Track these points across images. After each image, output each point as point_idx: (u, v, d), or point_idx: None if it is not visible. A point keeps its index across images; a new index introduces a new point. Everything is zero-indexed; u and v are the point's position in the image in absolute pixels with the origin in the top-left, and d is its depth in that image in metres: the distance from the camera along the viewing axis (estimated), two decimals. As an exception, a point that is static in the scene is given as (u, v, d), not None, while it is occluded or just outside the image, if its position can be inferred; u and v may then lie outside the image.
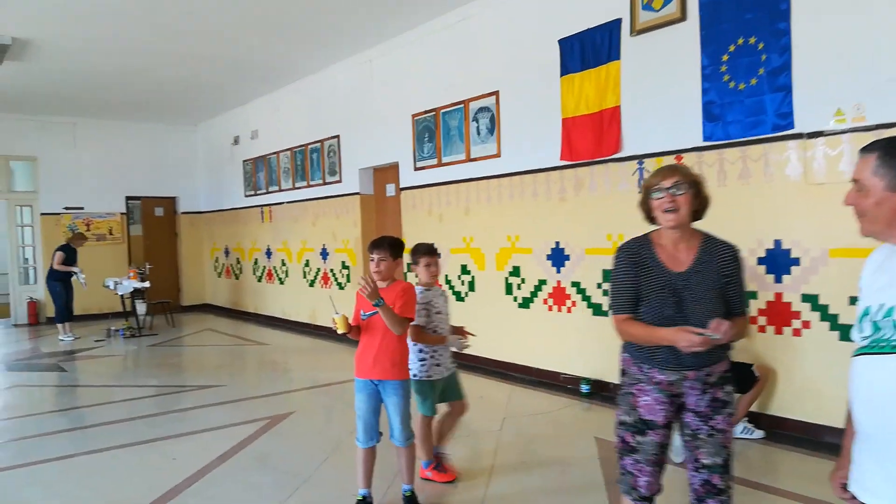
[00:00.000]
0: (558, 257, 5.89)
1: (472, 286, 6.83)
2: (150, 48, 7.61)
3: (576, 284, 5.75)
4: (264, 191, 10.83)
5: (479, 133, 6.59)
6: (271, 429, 4.92)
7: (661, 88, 4.95)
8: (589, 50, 5.42)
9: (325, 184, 9.24)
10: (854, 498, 1.62)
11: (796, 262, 4.27)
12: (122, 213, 12.37)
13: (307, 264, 9.77)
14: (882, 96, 3.81)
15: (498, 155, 6.39)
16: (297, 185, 9.91)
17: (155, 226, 13.00)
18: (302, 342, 9.03)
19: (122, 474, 4.11)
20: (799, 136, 4.19)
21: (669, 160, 4.89)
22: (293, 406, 5.56)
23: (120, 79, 8.99)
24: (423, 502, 3.46)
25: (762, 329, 4.45)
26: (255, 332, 10.04)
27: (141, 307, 10.21)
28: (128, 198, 12.49)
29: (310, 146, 9.51)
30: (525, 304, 6.26)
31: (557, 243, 5.90)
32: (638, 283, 2.29)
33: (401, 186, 7.79)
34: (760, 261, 4.43)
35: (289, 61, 8.52)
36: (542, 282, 6.06)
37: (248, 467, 4.12)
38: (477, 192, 6.67)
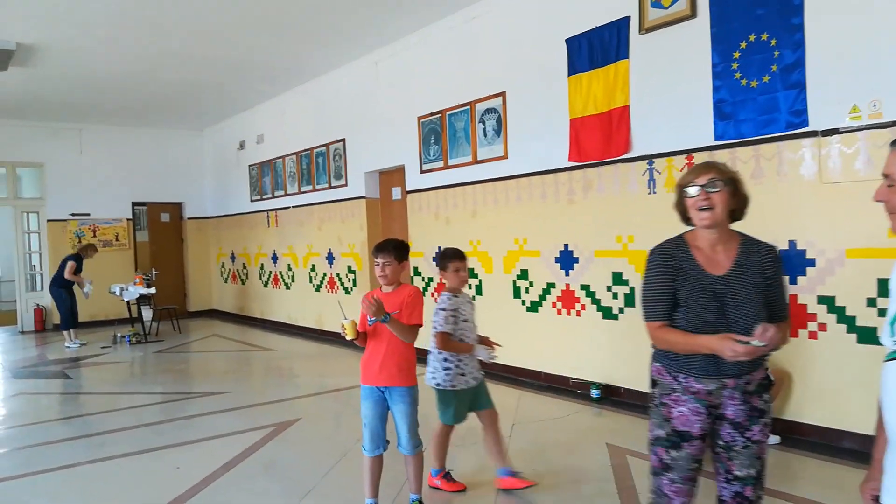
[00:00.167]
0: (567, 260, 5.81)
1: (479, 290, 6.75)
2: (154, 52, 7.59)
3: (585, 287, 5.66)
4: (270, 195, 10.80)
5: (485, 135, 6.52)
6: (278, 436, 4.86)
7: (671, 87, 4.87)
8: (597, 49, 5.34)
9: (330, 188, 9.19)
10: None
11: (812, 263, 4.17)
12: (128, 219, 12.37)
13: (313, 269, 9.73)
14: (899, 92, 3.71)
15: (505, 157, 6.31)
16: (302, 189, 9.88)
17: (161, 231, 13.01)
18: (308, 347, 8.97)
19: (128, 483, 4.06)
20: (813, 133, 4.10)
21: (680, 160, 4.81)
22: (300, 412, 5.50)
23: (125, 84, 8.98)
24: (432, 511, 3.39)
25: (777, 331, 4.36)
26: (261, 338, 10.00)
27: (147, 313, 10.20)
28: (134, 203, 12.50)
29: (315, 150, 9.47)
30: (533, 307, 6.18)
31: (566, 245, 5.81)
32: (674, 288, 2.16)
33: (407, 189, 7.73)
34: (775, 262, 4.34)
35: (294, 64, 8.49)
36: (551, 285, 5.98)
37: (254, 475, 4.06)
38: (484, 194, 6.59)
